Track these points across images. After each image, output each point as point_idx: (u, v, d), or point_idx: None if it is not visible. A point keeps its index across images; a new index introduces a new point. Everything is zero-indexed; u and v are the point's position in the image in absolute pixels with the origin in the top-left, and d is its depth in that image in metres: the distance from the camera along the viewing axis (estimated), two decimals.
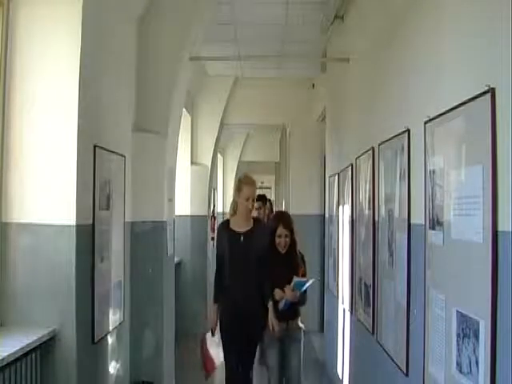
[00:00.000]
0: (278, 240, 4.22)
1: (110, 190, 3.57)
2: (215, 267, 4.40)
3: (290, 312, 4.18)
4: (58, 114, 3.00)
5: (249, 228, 4.25)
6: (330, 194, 6.47)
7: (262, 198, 7.24)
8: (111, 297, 3.63)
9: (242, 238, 4.21)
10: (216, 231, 4.43)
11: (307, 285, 4.10)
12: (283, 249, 4.23)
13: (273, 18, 6.10)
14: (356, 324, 4.47)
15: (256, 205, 6.58)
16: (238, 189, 4.25)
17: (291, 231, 4.26)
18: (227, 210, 5.88)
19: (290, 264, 4.25)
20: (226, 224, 4.36)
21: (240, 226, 4.25)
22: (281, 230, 4.21)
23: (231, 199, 4.51)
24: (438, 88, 2.40)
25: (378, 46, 3.77)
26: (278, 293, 4.12)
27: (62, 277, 2.97)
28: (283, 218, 4.38)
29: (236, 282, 4.18)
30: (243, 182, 4.28)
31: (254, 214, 6.44)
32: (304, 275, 4.29)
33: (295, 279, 4.05)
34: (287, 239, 4.22)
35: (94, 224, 3.25)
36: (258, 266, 4.14)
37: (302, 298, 4.21)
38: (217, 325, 4.33)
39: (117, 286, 3.78)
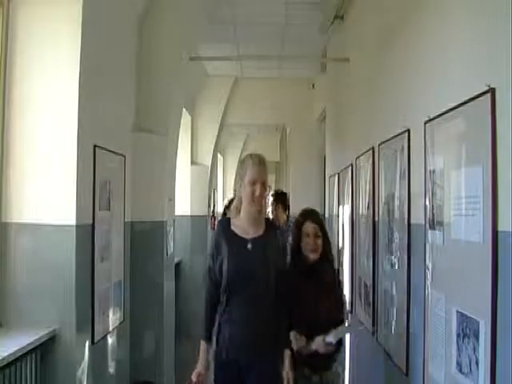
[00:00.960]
0: (305, 241, 2.94)
1: (110, 190, 3.57)
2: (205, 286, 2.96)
3: (324, 358, 2.86)
4: (58, 114, 3.00)
5: (260, 232, 2.86)
6: (330, 194, 6.47)
7: (281, 197, 5.72)
8: (111, 297, 3.63)
9: (249, 245, 2.81)
10: (213, 233, 2.97)
11: (347, 333, 2.90)
12: (313, 254, 2.92)
13: (273, 18, 6.11)
14: (356, 324, 4.47)
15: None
16: (241, 174, 2.88)
17: (324, 231, 3.02)
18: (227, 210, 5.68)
19: (324, 281, 2.93)
20: (225, 224, 2.92)
21: (246, 229, 2.86)
22: (308, 226, 2.96)
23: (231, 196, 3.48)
24: (438, 88, 2.40)
25: (378, 46, 3.77)
26: (296, 339, 2.77)
27: (61, 277, 2.97)
28: (311, 212, 3.15)
29: (241, 310, 2.75)
30: (248, 161, 2.88)
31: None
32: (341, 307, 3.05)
33: (334, 334, 2.76)
34: (319, 240, 2.94)
35: (93, 224, 3.25)
36: (277, 288, 2.79)
37: (339, 346, 2.91)
38: (205, 371, 2.84)
39: (117, 285, 3.78)
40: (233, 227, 2.89)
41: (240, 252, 2.81)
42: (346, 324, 2.89)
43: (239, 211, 2.89)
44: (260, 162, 2.86)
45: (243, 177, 2.83)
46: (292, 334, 2.76)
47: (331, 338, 2.76)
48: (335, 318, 2.91)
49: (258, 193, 2.78)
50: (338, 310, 3.00)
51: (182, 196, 7.30)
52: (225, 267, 2.78)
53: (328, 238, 3.06)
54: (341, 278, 4.83)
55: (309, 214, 3.09)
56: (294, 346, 2.77)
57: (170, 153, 4.68)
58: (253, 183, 2.80)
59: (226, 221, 2.98)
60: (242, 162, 2.94)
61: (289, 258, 3.03)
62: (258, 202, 2.81)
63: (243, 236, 2.85)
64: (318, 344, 2.77)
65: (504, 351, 1.71)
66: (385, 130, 3.37)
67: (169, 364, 4.71)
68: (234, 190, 3.04)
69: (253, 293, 2.73)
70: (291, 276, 2.87)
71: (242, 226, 2.88)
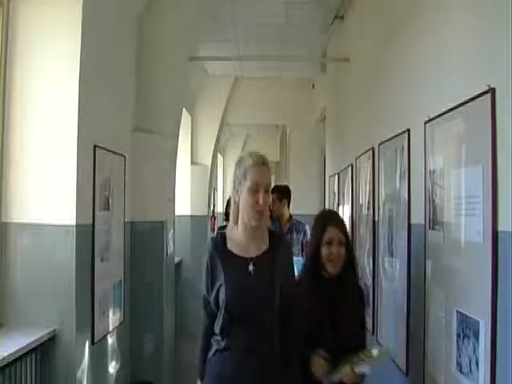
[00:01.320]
0: (326, 252, 2.46)
1: (110, 189, 3.57)
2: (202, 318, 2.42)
3: None
4: (57, 114, 3.00)
5: (263, 248, 2.30)
6: (330, 194, 6.47)
7: (283, 193, 4.92)
8: (111, 297, 3.63)
9: (251, 267, 2.25)
10: (205, 255, 2.34)
11: (380, 361, 2.37)
12: (335, 265, 2.46)
13: (273, 17, 6.11)
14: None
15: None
16: (239, 176, 2.28)
17: (348, 238, 2.55)
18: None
19: (346, 298, 2.48)
20: (219, 242, 2.32)
21: (245, 245, 2.30)
22: (332, 232, 2.48)
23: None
24: (438, 88, 2.40)
25: (378, 46, 3.77)
26: (317, 365, 2.32)
27: (61, 277, 2.97)
28: (334, 215, 2.79)
29: (240, 346, 2.22)
30: (247, 161, 2.28)
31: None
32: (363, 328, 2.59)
33: (368, 363, 2.30)
34: (342, 250, 2.47)
35: (94, 224, 3.25)
36: (284, 310, 2.24)
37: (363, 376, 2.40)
38: None
39: (117, 285, 3.78)
40: (229, 245, 2.31)
41: (240, 278, 2.24)
42: (376, 349, 2.37)
43: (237, 220, 2.31)
44: (263, 162, 2.27)
45: (242, 180, 2.25)
46: (313, 358, 2.33)
47: (364, 368, 2.28)
48: (356, 343, 2.47)
49: (261, 201, 2.21)
50: (360, 333, 2.58)
51: (182, 196, 7.30)
52: (222, 297, 2.22)
53: (350, 246, 2.61)
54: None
55: (332, 217, 2.66)
56: (316, 371, 2.34)
57: (169, 153, 4.68)
58: (255, 189, 2.22)
59: (219, 239, 2.34)
60: (239, 162, 2.32)
61: (302, 267, 2.61)
62: (262, 213, 2.24)
63: (243, 255, 2.27)
64: (345, 374, 2.31)
65: (504, 351, 1.71)
66: (385, 130, 3.37)
67: (169, 364, 4.71)
68: (228, 201, 2.54)
69: (254, 320, 2.21)
70: (303, 293, 2.39)
71: (240, 242, 2.30)
